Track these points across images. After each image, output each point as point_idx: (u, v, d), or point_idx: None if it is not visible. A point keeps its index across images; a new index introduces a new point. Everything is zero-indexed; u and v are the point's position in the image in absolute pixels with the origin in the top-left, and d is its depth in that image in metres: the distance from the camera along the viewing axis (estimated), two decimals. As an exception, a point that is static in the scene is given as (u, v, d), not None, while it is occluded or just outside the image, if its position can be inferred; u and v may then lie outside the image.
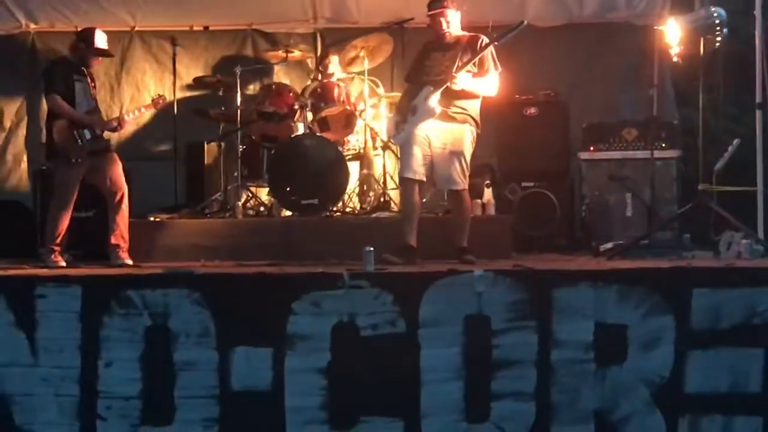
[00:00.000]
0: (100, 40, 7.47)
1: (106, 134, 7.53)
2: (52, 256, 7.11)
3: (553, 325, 5.52)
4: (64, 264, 7.12)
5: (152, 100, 7.97)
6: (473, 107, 6.98)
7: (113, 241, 7.24)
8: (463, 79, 6.84)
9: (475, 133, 7.01)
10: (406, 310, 5.52)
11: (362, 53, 8.61)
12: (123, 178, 7.34)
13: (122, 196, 7.29)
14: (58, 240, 7.19)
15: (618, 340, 5.50)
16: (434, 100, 6.81)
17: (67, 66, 7.39)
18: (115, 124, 7.58)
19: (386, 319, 5.53)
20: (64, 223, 7.19)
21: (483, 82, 6.96)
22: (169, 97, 8.57)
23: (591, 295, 5.53)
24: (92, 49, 7.43)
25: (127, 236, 7.27)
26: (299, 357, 5.54)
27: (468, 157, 6.97)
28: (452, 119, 6.91)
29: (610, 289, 5.52)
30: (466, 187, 7.03)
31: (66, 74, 7.27)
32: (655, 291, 5.49)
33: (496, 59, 6.95)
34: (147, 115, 8.87)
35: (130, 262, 7.15)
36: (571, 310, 5.52)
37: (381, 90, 8.86)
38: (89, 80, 7.49)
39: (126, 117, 7.71)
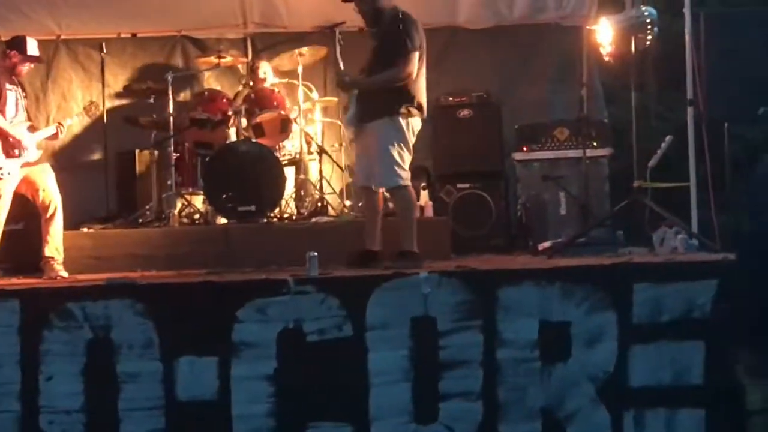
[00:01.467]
0: (32, 47, 7.32)
1: (44, 143, 7.37)
2: None
3: (499, 324, 5.57)
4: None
5: (84, 108, 7.85)
6: (387, 96, 6.64)
7: (47, 253, 7.08)
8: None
9: (398, 122, 6.60)
10: (353, 314, 5.52)
11: (296, 57, 8.55)
12: (57, 190, 7.19)
13: (56, 209, 7.14)
14: None
15: (562, 338, 5.57)
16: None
17: None
18: (54, 130, 7.43)
19: (333, 323, 5.52)
20: None
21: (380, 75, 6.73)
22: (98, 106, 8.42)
23: (535, 293, 5.59)
24: (25, 57, 7.27)
25: (61, 249, 7.13)
26: (245, 365, 5.50)
27: (393, 151, 6.60)
28: (363, 119, 6.78)
29: (554, 287, 5.59)
30: (398, 184, 6.67)
31: None
32: (597, 287, 5.58)
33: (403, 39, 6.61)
34: (76, 124, 8.69)
35: (65, 274, 7.01)
36: (516, 309, 5.58)
37: (315, 95, 8.84)
38: (21, 89, 7.33)
39: (63, 123, 7.57)
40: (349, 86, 7.03)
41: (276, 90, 8.62)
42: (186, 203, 8.51)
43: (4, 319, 5.44)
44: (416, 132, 6.75)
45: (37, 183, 7.15)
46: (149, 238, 7.78)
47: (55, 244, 7.11)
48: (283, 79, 8.90)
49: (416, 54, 6.57)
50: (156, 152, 8.60)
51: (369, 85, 6.81)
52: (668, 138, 7.35)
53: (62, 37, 9.47)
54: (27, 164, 7.12)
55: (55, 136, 7.53)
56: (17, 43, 7.31)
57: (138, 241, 7.69)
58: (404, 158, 6.65)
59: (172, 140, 8.34)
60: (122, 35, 9.60)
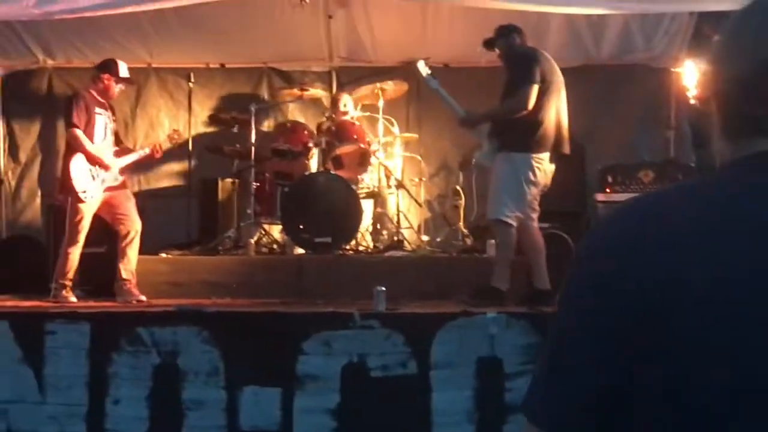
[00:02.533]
0: (123, 69, 7.52)
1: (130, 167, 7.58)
2: (63, 292, 7.08)
3: (567, 368, 5.43)
4: (74, 300, 7.08)
5: (168, 135, 8.01)
6: (505, 130, 6.67)
7: (124, 276, 7.21)
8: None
9: (513, 157, 6.60)
10: (418, 351, 5.48)
11: (377, 92, 8.58)
12: (137, 215, 7.34)
13: (136, 233, 7.28)
14: (69, 275, 7.15)
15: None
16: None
17: (89, 99, 7.36)
18: (146, 152, 7.65)
19: (397, 360, 5.49)
20: (75, 259, 7.17)
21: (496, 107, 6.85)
22: (184, 133, 8.58)
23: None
24: (117, 78, 7.46)
25: (135, 272, 7.24)
26: (308, 397, 5.50)
27: (503, 184, 6.62)
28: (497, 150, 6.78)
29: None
30: (496, 217, 6.67)
31: (87, 108, 7.27)
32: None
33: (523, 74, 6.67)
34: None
35: (143, 297, 7.11)
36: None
37: (396, 129, 8.84)
38: (111, 113, 7.51)
39: (161, 145, 7.80)
40: (467, 121, 7.03)
41: (357, 123, 8.65)
42: (264, 232, 8.56)
43: (74, 342, 5.53)
44: (540, 167, 6.66)
45: (118, 207, 7.32)
46: (225, 265, 7.85)
47: (131, 267, 7.24)
48: (364, 112, 8.93)
49: (533, 87, 6.54)
50: (237, 181, 8.70)
51: (485, 116, 6.91)
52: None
53: (153, 65, 9.67)
54: (109, 188, 7.27)
55: (150, 157, 7.73)
56: (109, 66, 7.51)
57: (214, 269, 7.77)
58: (516, 194, 6.59)
59: (253, 170, 8.42)
60: (210, 65, 9.75)
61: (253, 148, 8.44)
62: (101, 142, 7.33)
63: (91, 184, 7.17)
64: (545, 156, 6.67)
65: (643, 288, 1.22)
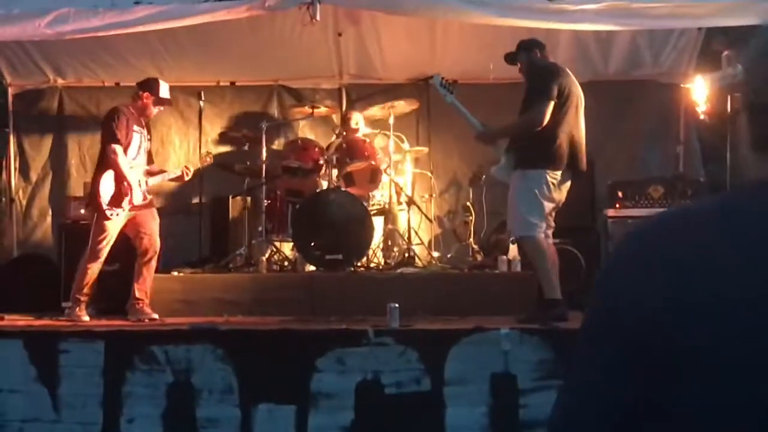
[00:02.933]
0: (164, 90, 7.57)
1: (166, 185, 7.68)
2: (77, 310, 7.07)
3: (581, 385, 5.44)
4: (87, 318, 7.08)
5: (201, 158, 8.28)
6: (523, 147, 6.70)
7: (138, 295, 7.22)
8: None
9: (529, 173, 6.63)
10: (432, 368, 5.49)
11: (388, 110, 8.61)
12: (158, 235, 7.39)
13: (155, 253, 7.32)
14: (86, 291, 7.15)
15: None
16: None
17: (128, 116, 7.38)
18: (177, 174, 7.76)
19: (411, 376, 5.50)
20: (93, 275, 7.17)
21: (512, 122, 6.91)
22: (194, 151, 8.62)
23: (619, 354, 5.45)
24: (157, 99, 7.51)
25: (149, 292, 7.26)
26: (323, 415, 5.51)
27: (521, 200, 6.64)
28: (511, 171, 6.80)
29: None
30: (520, 233, 6.80)
31: (127, 125, 7.30)
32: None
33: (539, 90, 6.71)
34: (173, 170, 8.91)
35: (155, 316, 7.12)
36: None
37: (406, 145, 8.87)
38: (146, 132, 7.55)
39: (190, 168, 7.89)
40: (485, 136, 7.06)
41: (367, 140, 8.68)
42: (275, 250, 8.58)
43: (89, 360, 5.56)
44: (555, 183, 6.68)
45: (141, 225, 7.34)
46: (237, 283, 7.87)
47: (145, 287, 7.26)
48: (375, 129, 8.95)
49: (549, 103, 6.56)
50: (248, 199, 8.73)
51: (502, 132, 6.95)
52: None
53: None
54: (136, 207, 7.29)
55: (180, 178, 7.85)
56: (150, 85, 7.56)
57: (226, 286, 7.79)
58: (533, 209, 6.60)
59: (264, 187, 8.45)
60: (221, 83, 9.79)
61: (264, 166, 8.46)
62: (135, 160, 7.36)
63: (118, 202, 7.18)
64: (560, 172, 6.68)
65: (678, 314, 1.23)
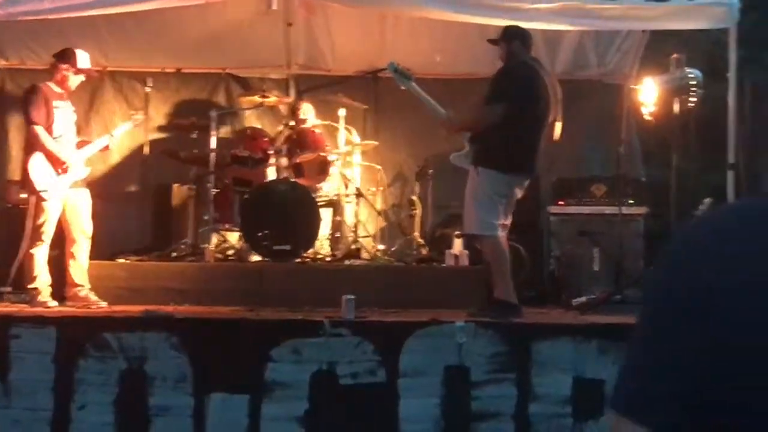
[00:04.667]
0: (83, 59, 7.26)
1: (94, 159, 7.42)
2: (38, 298, 6.82)
3: (532, 378, 5.56)
4: (55, 304, 6.83)
5: (132, 119, 7.89)
6: (482, 143, 6.67)
7: (78, 280, 7.07)
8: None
9: (485, 174, 6.60)
10: (387, 359, 5.53)
11: (338, 101, 8.61)
12: (90, 217, 7.21)
13: (88, 237, 7.14)
14: (42, 278, 6.91)
15: (596, 395, 5.52)
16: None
17: (46, 92, 7.09)
18: (106, 142, 7.47)
19: (366, 368, 5.53)
20: (41, 260, 6.94)
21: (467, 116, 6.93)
22: (140, 138, 8.50)
23: (570, 349, 5.58)
24: (76, 70, 7.20)
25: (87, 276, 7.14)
26: (276, 404, 5.52)
27: (477, 199, 6.64)
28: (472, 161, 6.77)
29: (590, 344, 5.57)
30: (478, 232, 6.79)
31: (46, 102, 7.02)
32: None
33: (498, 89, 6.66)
34: (116, 155, 8.80)
35: (104, 303, 6.97)
36: (551, 364, 5.57)
37: (355, 137, 8.88)
38: (70, 104, 7.30)
39: (114, 134, 7.60)
40: (449, 124, 7.01)
41: (317, 131, 8.68)
42: (222, 239, 8.53)
43: (40, 346, 5.48)
44: (515, 184, 6.73)
45: (72, 208, 7.12)
46: (184, 272, 7.81)
47: (83, 270, 7.11)
48: (324, 120, 8.95)
49: (499, 105, 6.50)
50: (194, 187, 8.65)
51: (460, 125, 6.94)
52: (707, 200, 7.32)
53: (108, 68, 9.55)
54: (73, 185, 7.09)
55: (106, 147, 7.57)
56: (67, 55, 7.24)
57: (172, 275, 7.72)
58: (489, 207, 6.62)
59: (212, 176, 8.39)
60: (167, 70, 9.69)
61: (213, 154, 8.39)
62: (61, 137, 7.10)
63: (53, 181, 6.95)
64: (515, 176, 6.71)
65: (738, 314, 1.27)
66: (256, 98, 8.90)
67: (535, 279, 8.72)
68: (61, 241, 7.24)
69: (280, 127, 9.19)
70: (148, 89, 8.78)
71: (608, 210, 8.58)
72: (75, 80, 7.29)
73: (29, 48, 9.44)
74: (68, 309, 6.69)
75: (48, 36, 9.13)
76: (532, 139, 6.68)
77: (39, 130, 6.96)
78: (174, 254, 8.32)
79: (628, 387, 1.37)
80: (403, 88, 7.17)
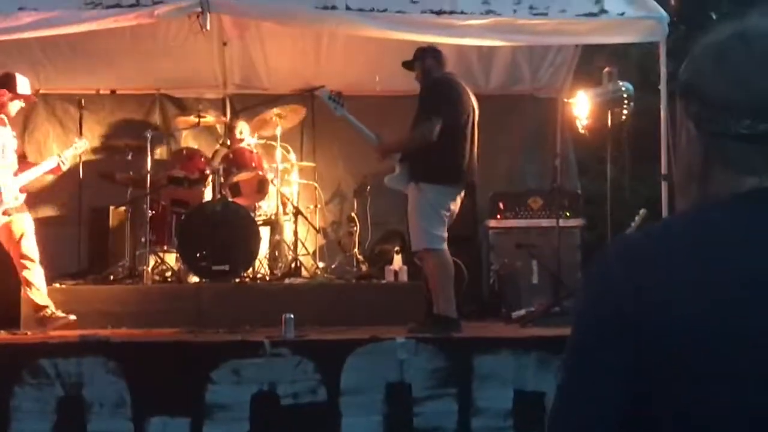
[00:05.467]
0: (23, 85, 7.14)
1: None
2: None
3: (474, 392, 5.58)
4: None
5: (75, 147, 7.74)
6: (418, 160, 6.67)
7: (41, 302, 6.92)
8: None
9: (427, 188, 6.62)
10: (328, 378, 5.52)
11: (274, 119, 8.58)
12: (34, 239, 7.05)
13: (37, 257, 6.98)
14: None
15: (537, 408, 5.56)
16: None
17: None
18: (53, 164, 7.30)
19: (307, 387, 5.51)
20: None
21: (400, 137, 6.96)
22: (73, 160, 8.38)
23: (511, 362, 5.61)
24: (14, 95, 7.06)
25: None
26: (218, 427, 5.48)
27: (422, 215, 6.63)
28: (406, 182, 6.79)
29: (530, 357, 5.61)
30: (427, 246, 6.70)
31: None
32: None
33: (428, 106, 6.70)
34: (49, 177, 8.68)
35: (73, 317, 6.84)
36: (492, 378, 5.60)
37: (292, 156, 8.87)
38: (10, 130, 7.14)
39: (63, 155, 7.42)
40: (382, 149, 7.05)
41: (254, 150, 8.64)
42: (159, 261, 8.45)
43: (-27, 375, 5.36)
44: (452, 195, 6.74)
45: (16, 232, 6.95)
46: (121, 295, 7.72)
47: (43, 291, 6.97)
48: (260, 140, 8.92)
49: (438, 120, 6.54)
50: (130, 209, 8.56)
51: (392, 147, 6.96)
52: (642, 211, 7.42)
53: (41, 91, 9.41)
54: (8, 211, 6.93)
55: (57, 169, 7.39)
56: (6, 81, 7.09)
57: (109, 298, 7.63)
58: (434, 221, 6.62)
59: (148, 197, 8.30)
60: (101, 92, 9.60)
61: (149, 176, 8.31)
62: (2, 161, 6.94)
63: None
64: (455, 187, 6.76)
65: (666, 326, 1.30)
66: (192, 118, 8.84)
67: (474, 293, 8.77)
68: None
69: (217, 147, 9.15)
70: (81, 111, 8.73)
71: (545, 223, 8.67)
72: (14, 106, 7.16)
73: (-41, 71, 9.26)
74: (5, 337, 6.51)
75: (-23, 58, 9.01)
76: (465, 149, 6.74)
77: None
78: (111, 277, 8.22)
79: (565, 416, 1.40)
80: (337, 115, 7.23)
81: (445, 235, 6.68)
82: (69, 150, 7.65)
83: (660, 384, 1.30)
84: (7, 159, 7.07)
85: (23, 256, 6.97)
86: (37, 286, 6.98)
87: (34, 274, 6.98)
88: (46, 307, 6.95)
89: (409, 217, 6.81)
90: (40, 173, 7.33)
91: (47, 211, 9.27)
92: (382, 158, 7.11)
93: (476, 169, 6.95)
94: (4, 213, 6.92)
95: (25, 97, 7.23)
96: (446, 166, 6.62)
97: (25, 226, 7.04)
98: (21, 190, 7.12)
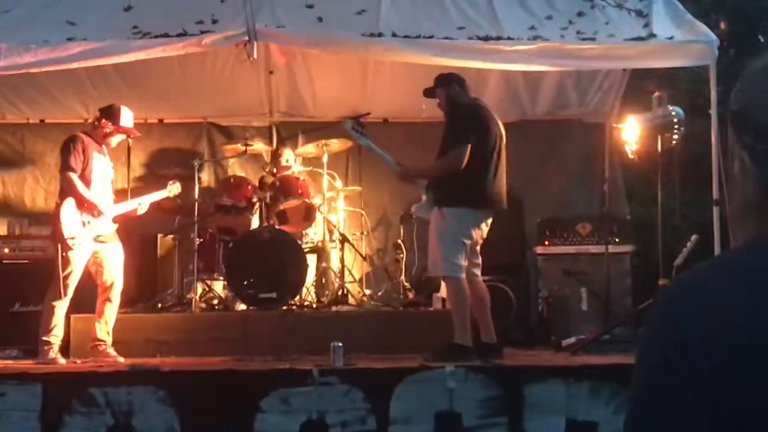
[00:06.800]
0: (126, 118, 7.26)
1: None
2: (50, 353, 6.70)
3: (524, 422, 5.50)
4: (63, 362, 6.70)
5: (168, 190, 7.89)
6: (442, 185, 6.66)
7: (100, 335, 6.97)
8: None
9: (449, 213, 6.56)
10: (377, 407, 5.47)
11: (321, 147, 8.60)
12: (122, 272, 7.13)
13: (117, 290, 7.06)
14: (55, 332, 6.78)
15: (590, 437, 5.48)
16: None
17: (87, 144, 7.04)
18: (133, 206, 7.40)
19: (356, 416, 5.46)
20: (61, 314, 6.82)
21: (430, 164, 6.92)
22: (122, 188, 8.47)
23: (562, 391, 5.53)
24: (117, 127, 7.20)
25: (111, 333, 7.06)
26: (267, 456, 5.42)
27: (442, 240, 6.58)
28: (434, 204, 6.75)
29: (581, 385, 5.52)
30: (444, 273, 6.72)
31: (85, 152, 6.98)
32: (626, 387, 5.46)
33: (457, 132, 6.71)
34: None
35: (121, 359, 6.84)
36: (542, 407, 5.51)
37: (338, 183, 8.87)
38: (109, 160, 7.26)
39: (142, 201, 7.53)
40: (404, 175, 7.06)
41: (300, 178, 8.66)
42: (207, 289, 8.47)
43: (25, 404, 5.39)
44: (477, 221, 6.67)
45: (104, 261, 7.04)
46: (169, 323, 7.74)
47: (107, 327, 7.02)
48: (307, 167, 8.94)
49: (467, 147, 6.52)
50: (177, 237, 8.60)
51: (421, 173, 6.94)
52: (694, 237, 7.31)
53: (89, 121, 9.48)
54: (101, 239, 7.02)
55: (134, 212, 7.48)
56: (110, 113, 7.24)
57: (157, 326, 7.65)
58: (453, 248, 6.54)
59: (196, 226, 8.34)
60: (149, 120, 9.67)
61: (197, 204, 8.35)
62: (98, 190, 7.05)
63: (81, 231, 6.84)
64: (480, 212, 6.69)
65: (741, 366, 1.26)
66: (239, 146, 8.89)
67: (523, 320, 8.70)
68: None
69: (263, 174, 9.17)
70: (130, 140, 8.78)
71: (594, 249, 8.57)
72: (116, 138, 7.32)
73: (10, 102, 9.41)
74: (57, 366, 6.53)
75: (29, 89, 9.15)
76: (490, 176, 6.68)
77: (73, 176, 6.90)
78: (159, 305, 8.26)
79: None
80: (361, 144, 7.23)
81: (465, 263, 6.58)
82: (147, 197, 7.71)
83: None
84: (105, 188, 7.19)
85: (102, 286, 7.05)
86: (106, 320, 7.03)
87: (107, 305, 7.04)
88: (104, 341, 6.97)
89: (429, 241, 6.79)
90: (120, 212, 7.37)
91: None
92: (402, 181, 7.18)
93: (505, 196, 6.87)
94: (96, 240, 6.99)
95: (126, 131, 7.37)
96: (469, 190, 6.58)
97: (112, 255, 7.13)
98: (114, 220, 7.23)
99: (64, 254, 6.75)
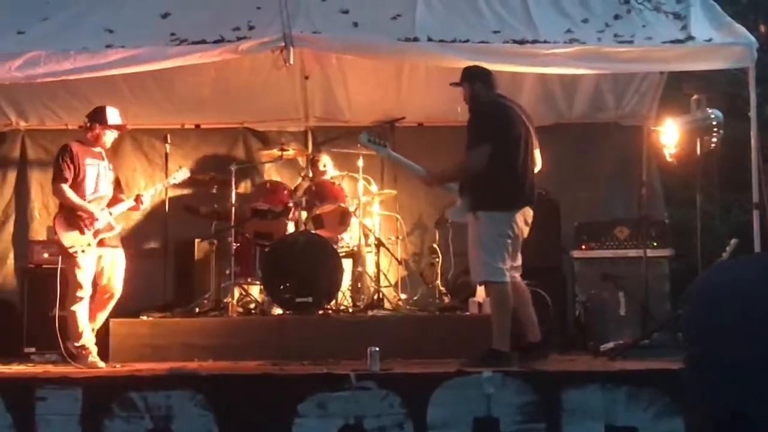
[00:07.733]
0: (113, 116, 7.35)
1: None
2: (89, 357, 6.82)
3: (563, 427, 5.47)
4: (102, 365, 6.84)
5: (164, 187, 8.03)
6: (473, 189, 6.60)
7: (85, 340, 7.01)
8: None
9: (484, 217, 6.50)
10: (414, 412, 5.46)
11: (357, 152, 8.61)
12: (121, 280, 7.20)
13: (112, 297, 7.14)
14: (85, 336, 6.91)
15: (629, 443, 5.44)
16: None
17: (77, 151, 7.13)
18: (132, 204, 7.44)
19: (394, 421, 5.46)
20: (83, 317, 6.92)
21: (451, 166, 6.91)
22: (160, 194, 8.55)
23: (600, 396, 5.49)
24: (105, 126, 7.27)
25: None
26: (305, 460, 5.43)
27: (482, 244, 6.52)
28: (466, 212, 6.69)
29: (620, 391, 5.49)
30: (486, 279, 6.63)
31: (74, 160, 7.07)
32: (665, 392, 5.45)
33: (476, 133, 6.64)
34: (137, 212, 8.81)
35: (102, 364, 6.91)
36: (581, 412, 5.48)
37: (374, 188, 8.88)
38: (106, 162, 7.33)
39: (142, 194, 7.59)
40: (428, 181, 7.05)
41: (336, 182, 8.68)
42: (243, 293, 8.51)
43: (66, 408, 5.44)
44: (515, 221, 6.57)
45: (105, 266, 7.13)
46: (206, 327, 7.79)
47: (94, 331, 7.10)
48: (342, 171, 8.96)
49: (486, 146, 6.45)
50: (214, 242, 8.65)
51: (442, 177, 6.93)
52: (734, 241, 7.23)
53: (127, 126, 9.56)
54: (104, 242, 7.10)
55: (135, 207, 7.54)
56: (97, 115, 7.33)
57: (195, 331, 7.69)
58: (494, 251, 6.48)
59: (232, 230, 8.39)
60: (186, 126, 9.74)
61: (233, 209, 8.40)
62: (93, 194, 7.13)
63: (80, 238, 6.94)
64: (513, 212, 6.59)
65: None
66: (275, 151, 8.93)
67: (560, 325, 8.64)
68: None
69: (299, 179, 9.20)
70: (167, 146, 8.87)
71: (632, 253, 8.50)
72: (109, 137, 7.38)
73: (49, 108, 9.53)
74: (94, 370, 6.61)
75: (67, 96, 9.24)
76: (520, 171, 6.59)
77: (64, 187, 7.02)
78: (197, 310, 8.31)
79: None
80: (382, 155, 7.23)
81: (507, 265, 6.51)
82: (149, 191, 7.87)
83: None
84: (102, 191, 7.24)
85: (100, 290, 7.13)
86: (96, 323, 7.13)
87: (102, 310, 7.17)
88: (82, 347, 6.97)
89: (469, 247, 6.70)
90: (124, 209, 7.45)
91: (134, 245, 9.37)
92: (429, 187, 7.22)
93: (535, 191, 6.79)
94: (101, 244, 7.07)
95: (116, 127, 7.44)
96: (501, 192, 6.49)
97: (114, 261, 7.22)
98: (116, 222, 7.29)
99: (69, 262, 6.95)
